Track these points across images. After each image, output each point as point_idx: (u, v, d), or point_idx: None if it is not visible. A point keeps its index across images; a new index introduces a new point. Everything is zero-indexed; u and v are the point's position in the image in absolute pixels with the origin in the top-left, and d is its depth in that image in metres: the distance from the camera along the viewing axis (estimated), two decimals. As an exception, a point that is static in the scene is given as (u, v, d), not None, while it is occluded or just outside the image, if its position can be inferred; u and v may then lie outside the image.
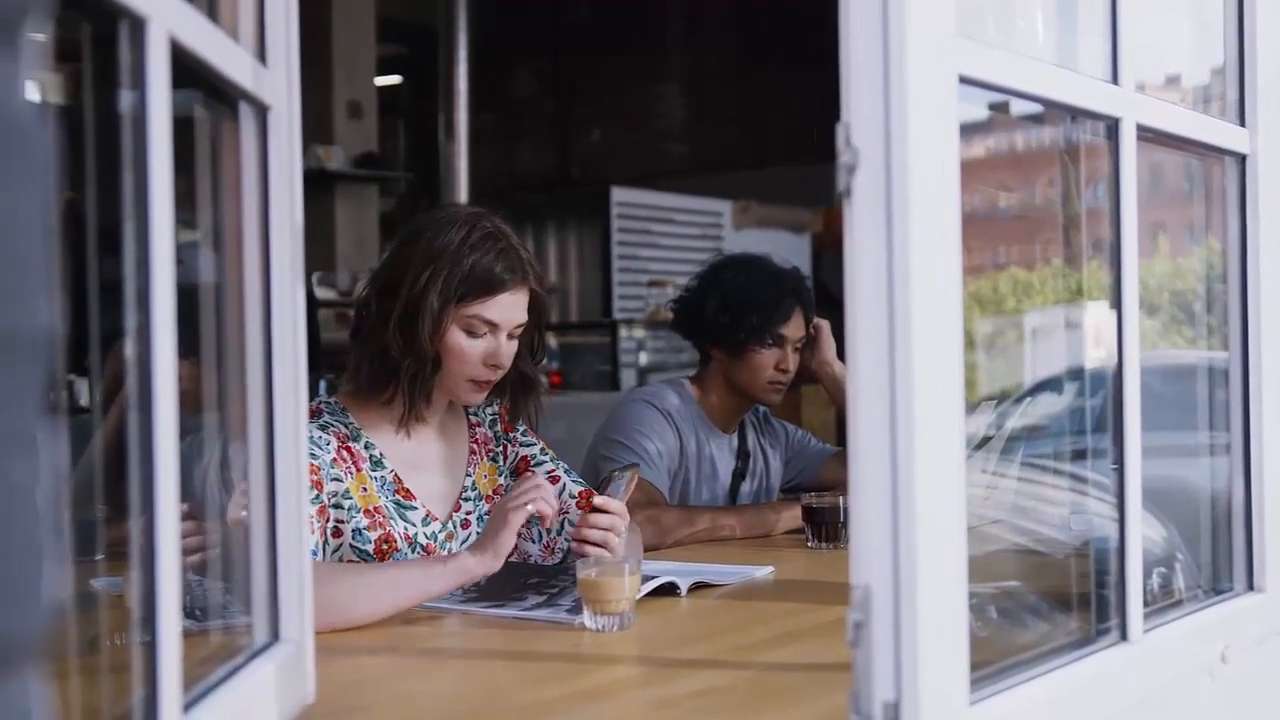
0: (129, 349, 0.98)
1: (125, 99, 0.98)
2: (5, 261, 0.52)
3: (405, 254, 2.17)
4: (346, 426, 2.20)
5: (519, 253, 2.20)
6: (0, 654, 0.54)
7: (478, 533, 2.26)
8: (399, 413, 2.21)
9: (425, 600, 1.97)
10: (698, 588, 2.18)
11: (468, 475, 2.32)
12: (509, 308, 2.18)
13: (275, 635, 1.35)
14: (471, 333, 2.17)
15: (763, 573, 2.35)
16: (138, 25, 0.97)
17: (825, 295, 4.68)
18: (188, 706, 1.06)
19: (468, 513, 2.30)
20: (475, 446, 2.35)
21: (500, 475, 2.36)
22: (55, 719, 0.61)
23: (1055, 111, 1.62)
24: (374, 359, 2.18)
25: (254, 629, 1.33)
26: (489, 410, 2.39)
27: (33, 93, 0.56)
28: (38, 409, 0.56)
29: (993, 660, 1.35)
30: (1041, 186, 2.08)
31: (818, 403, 6.74)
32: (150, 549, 0.98)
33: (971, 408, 1.74)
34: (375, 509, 2.16)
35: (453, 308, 2.15)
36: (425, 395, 2.21)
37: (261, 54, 1.32)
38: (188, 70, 1.08)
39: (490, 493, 2.34)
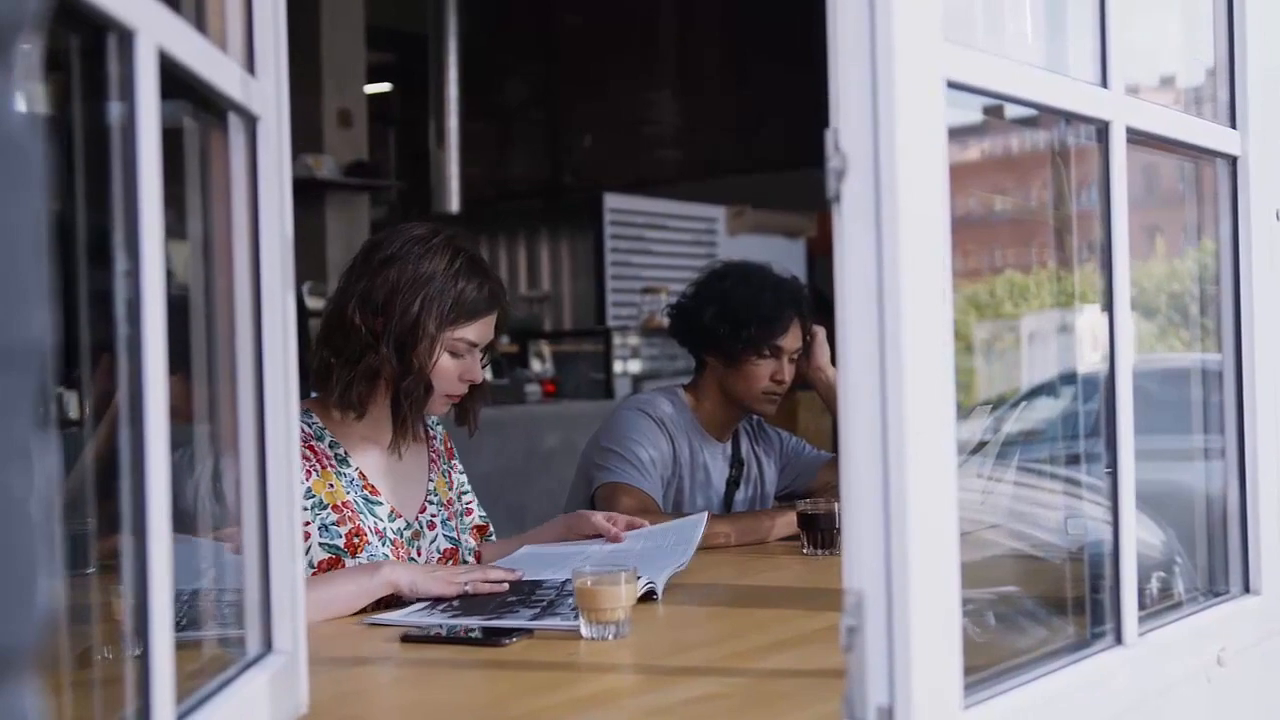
0: (121, 361, 0.97)
1: (114, 110, 0.97)
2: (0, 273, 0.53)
3: (389, 277, 2.25)
4: (310, 426, 2.28)
5: (495, 277, 2.36)
6: None
7: (444, 535, 2.40)
8: (381, 428, 2.32)
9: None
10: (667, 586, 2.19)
11: (430, 480, 2.43)
12: (488, 327, 2.33)
13: (268, 646, 1.34)
14: (454, 354, 2.29)
15: (695, 519, 2.46)
16: (126, 37, 0.96)
17: (821, 301, 4.67)
18: (181, 717, 1.06)
19: (432, 515, 2.40)
20: (434, 456, 2.47)
21: (450, 490, 2.47)
22: None
23: (1047, 115, 1.62)
24: (363, 378, 2.25)
25: (247, 640, 1.33)
26: (438, 425, 2.52)
27: (24, 105, 0.56)
28: (32, 420, 0.57)
29: (987, 664, 1.35)
30: (1036, 189, 2.08)
31: (814, 409, 6.74)
32: (142, 562, 0.98)
33: (967, 412, 1.74)
34: (344, 504, 2.25)
35: (445, 332, 2.26)
36: (419, 415, 2.33)
37: (250, 64, 1.32)
38: (175, 80, 1.08)
39: (446, 501, 2.45)
